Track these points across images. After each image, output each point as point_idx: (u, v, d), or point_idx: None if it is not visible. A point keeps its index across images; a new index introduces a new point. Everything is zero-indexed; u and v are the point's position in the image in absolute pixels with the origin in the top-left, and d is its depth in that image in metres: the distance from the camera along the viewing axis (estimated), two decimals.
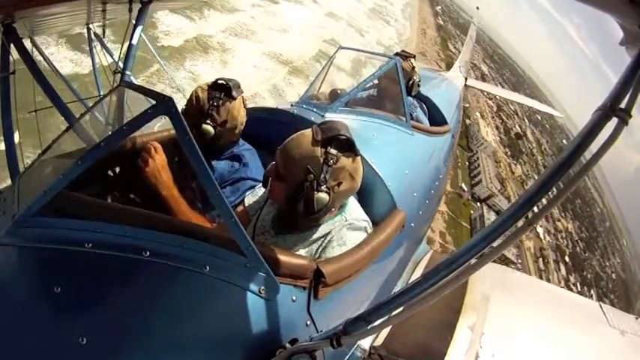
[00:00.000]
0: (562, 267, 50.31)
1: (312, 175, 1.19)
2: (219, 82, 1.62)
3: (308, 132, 1.25)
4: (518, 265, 40.74)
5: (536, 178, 0.78)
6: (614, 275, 60.64)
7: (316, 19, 31.26)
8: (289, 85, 21.85)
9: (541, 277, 44.19)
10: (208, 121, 1.58)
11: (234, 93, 1.62)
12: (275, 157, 1.28)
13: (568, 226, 57.59)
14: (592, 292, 50.57)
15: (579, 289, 48.86)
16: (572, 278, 49.54)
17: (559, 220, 55.77)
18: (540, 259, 46.63)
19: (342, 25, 34.08)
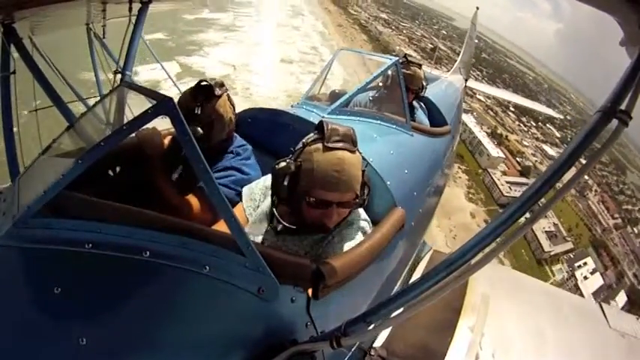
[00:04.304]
0: (510, 114, 53.69)
1: (364, 170, 1.27)
2: (202, 84, 1.64)
3: (345, 154, 1.19)
4: (474, 115, 43.77)
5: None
6: (569, 117, 61.97)
7: None
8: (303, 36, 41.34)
9: (495, 121, 48.10)
10: (196, 123, 1.59)
11: (216, 92, 1.64)
12: (331, 197, 1.19)
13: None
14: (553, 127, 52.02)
15: (535, 123, 50.84)
16: (524, 120, 52.11)
17: (496, 85, 57.83)
18: (489, 111, 52.34)
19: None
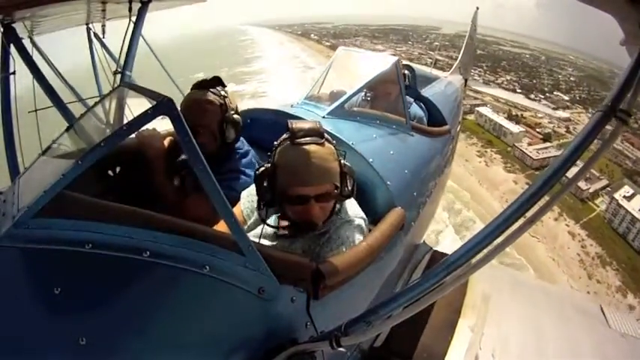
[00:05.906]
0: (518, 96, 51.30)
1: (342, 162, 1.27)
2: (206, 79, 1.69)
3: (312, 147, 1.22)
4: (488, 106, 45.49)
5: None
6: (572, 78, 62.19)
7: None
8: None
9: (507, 105, 48.51)
10: (231, 112, 1.68)
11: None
12: (306, 191, 1.21)
13: (507, 77, 60.70)
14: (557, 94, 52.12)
15: (543, 95, 51.03)
16: (532, 96, 51.64)
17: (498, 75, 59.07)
18: (500, 99, 52.03)
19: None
